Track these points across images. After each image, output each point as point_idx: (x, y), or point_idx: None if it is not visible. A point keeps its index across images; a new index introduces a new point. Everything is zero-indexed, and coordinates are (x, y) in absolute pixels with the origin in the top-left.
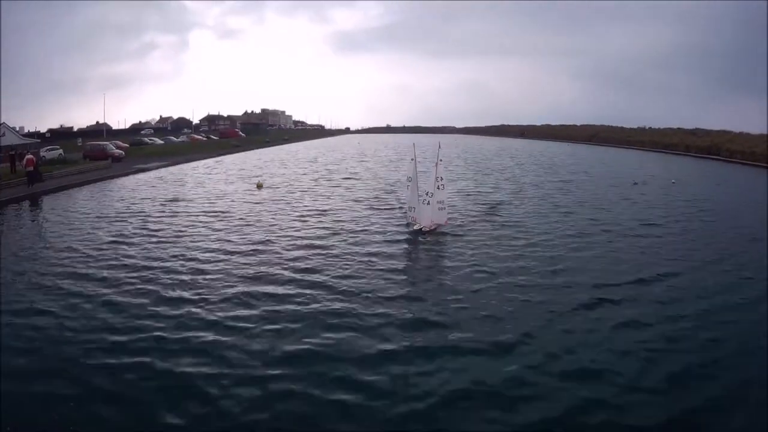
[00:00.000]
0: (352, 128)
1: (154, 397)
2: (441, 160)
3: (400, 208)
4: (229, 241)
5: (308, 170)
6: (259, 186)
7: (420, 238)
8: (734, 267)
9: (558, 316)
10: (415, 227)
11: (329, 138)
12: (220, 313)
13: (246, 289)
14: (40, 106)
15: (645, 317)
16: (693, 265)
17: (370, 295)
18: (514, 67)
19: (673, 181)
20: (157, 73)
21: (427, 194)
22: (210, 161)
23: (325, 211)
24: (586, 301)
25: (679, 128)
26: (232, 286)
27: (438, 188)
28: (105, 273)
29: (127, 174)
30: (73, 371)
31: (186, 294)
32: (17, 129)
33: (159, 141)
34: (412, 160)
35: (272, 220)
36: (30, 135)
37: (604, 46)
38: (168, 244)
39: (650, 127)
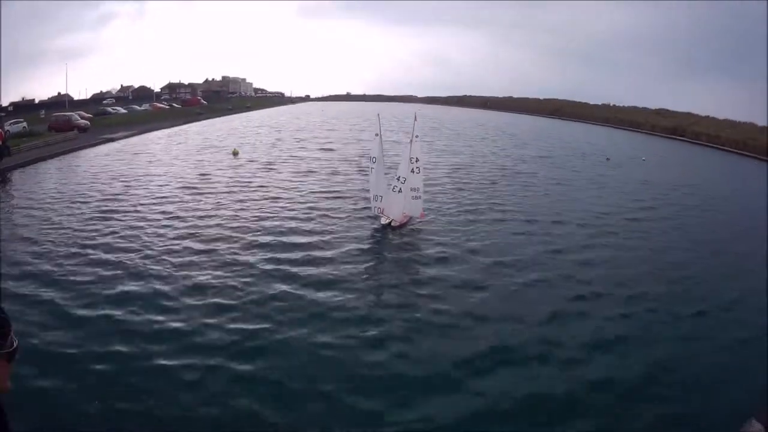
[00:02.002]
0: (312, 96)
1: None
2: (417, 137)
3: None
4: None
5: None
6: (235, 153)
7: (390, 236)
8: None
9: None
10: (383, 221)
11: (290, 105)
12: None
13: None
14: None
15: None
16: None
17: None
18: (476, 39)
19: (643, 158)
20: (115, 42)
21: (398, 180)
22: (176, 129)
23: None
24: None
25: (644, 107)
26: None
27: (413, 172)
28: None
29: (95, 144)
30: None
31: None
32: None
33: (122, 110)
34: (376, 135)
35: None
36: None
37: (569, 22)
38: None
39: (614, 105)
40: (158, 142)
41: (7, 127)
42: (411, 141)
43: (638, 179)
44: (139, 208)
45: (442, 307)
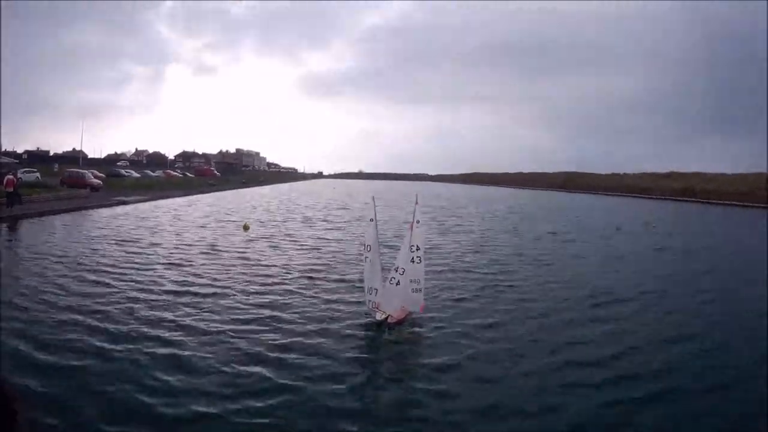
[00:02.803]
0: (325, 173)
1: None
2: (418, 222)
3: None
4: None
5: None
6: (246, 228)
7: (385, 335)
8: None
9: None
10: (379, 317)
11: (303, 182)
12: None
13: None
14: (16, 127)
15: None
16: None
17: None
18: (484, 115)
19: (653, 225)
20: (132, 103)
21: (396, 271)
22: (189, 198)
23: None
24: None
25: (653, 173)
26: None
27: (413, 261)
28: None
29: (107, 205)
30: None
31: None
32: None
33: (135, 174)
34: (371, 220)
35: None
36: (6, 154)
37: (573, 93)
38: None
39: (624, 173)
40: (171, 210)
41: (20, 175)
42: (411, 227)
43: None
44: (139, 276)
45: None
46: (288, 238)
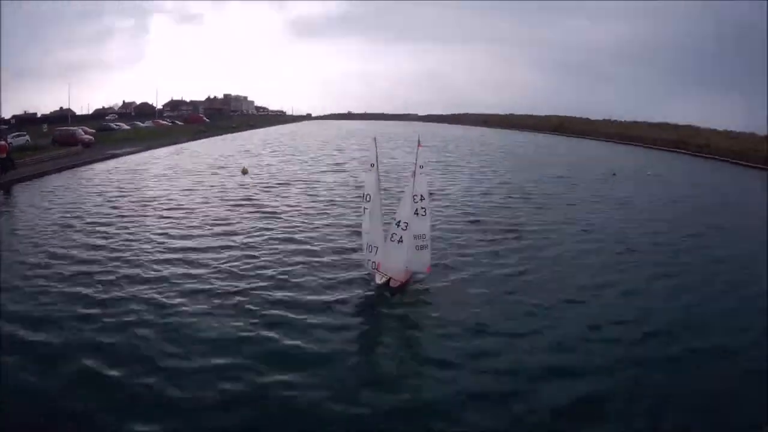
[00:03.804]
0: (314, 114)
1: None
2: (422, 167)
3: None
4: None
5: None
6: (244, 171)
7: (383, 306)
8: None
9: None
10: (379, 280)
11: (292, 124)
12: None
13: None
14: (1, 92)
15: None
16: None
17: None
18: (474, 56)
19: (648, 172)
20: (117, 58)
21: (398, 225)
22: (180, 146)
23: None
24: None
25: (644, 121)
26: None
27: (417, 214)
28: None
29: (101, 160)
30: None
31: None
32: None
33: (125, 126)
34: (371, 166)
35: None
36: None
37: (565, 37)
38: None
39: (616, 120)
40: (164, 158)
41: (10, 140)
42: (414, 173)
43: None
44: (139, 226)
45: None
46: (284, 182)
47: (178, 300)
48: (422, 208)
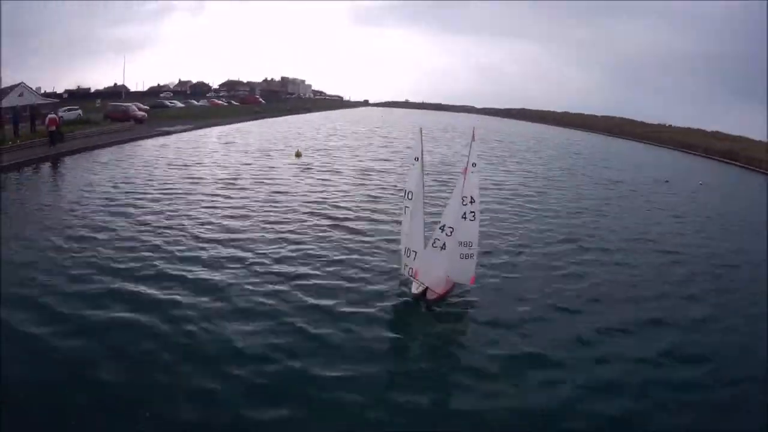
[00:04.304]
0: (371, 101)
1: None
2: (475, 165)
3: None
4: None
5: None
6: (298, 155)
7: (418, 316)
8: None
9: None
10: (415, 289)
11: (349, 110)
12: None
13: None
14: (56, 67)
15: None
16: None
17: None
18: (530, 53)
19: (700, 182)
20: (174, 36)
21: (442, 230)
22: (234, 126)
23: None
24: None
25: (699, 129)
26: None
27: (464, 218)
28: None
29: (152, 136)
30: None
31: None
32: (34, 89)
33: (179, 104)
34: (416, 159)
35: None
36: (48, 95)
37: (620, 41)
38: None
39: (670, 125)
40: (217, 138)
41: (61, 114)
42: (465, 171)
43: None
44: (186, 203)
45: None
46: (334, 168)
47: (218, 279)
48: (471, 212)
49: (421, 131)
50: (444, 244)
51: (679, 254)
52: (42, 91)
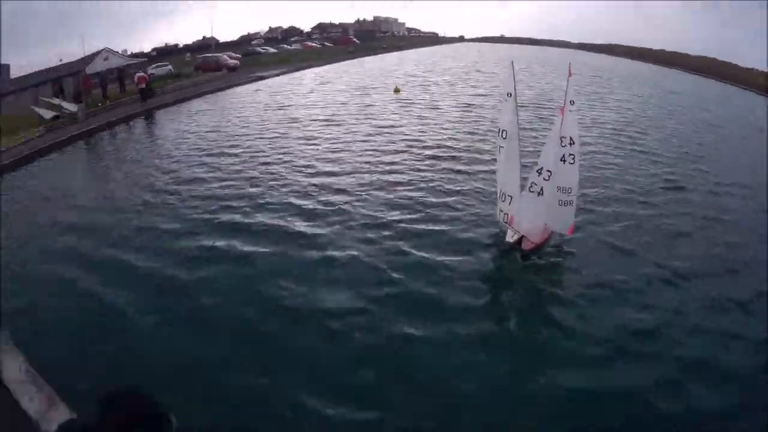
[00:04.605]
0: (467, 37)
1: None
2: (573, 103)
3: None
4: None
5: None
6: (396, 91)
7: (513, 266)
8: None
9: None
10: (510, 237)
11: (444, 45)
12: None
13: None
14: (142, 28)
15: None
16: None
17: None
18: None
19: None
20: None
21: (539, 174)
22: (329, 67)
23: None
24: None
25: None
26: None
27: (563, 161)
28: None
29: (246, 83)
30: None
31: None
32: (121, 52)
33: (272, 50)
34: (508, 95)
35: None
36: (135, 56)
37: None
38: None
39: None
40: (312, 79)
41: (151, 71)
42: (563, 110)
43: None
44: (281, 147)
45: None
46: (433, 104)
47: (316, 225)
48: (570, 154)
49: (513, 64)
50: (542, 189)
51: None
52: (129, 53)
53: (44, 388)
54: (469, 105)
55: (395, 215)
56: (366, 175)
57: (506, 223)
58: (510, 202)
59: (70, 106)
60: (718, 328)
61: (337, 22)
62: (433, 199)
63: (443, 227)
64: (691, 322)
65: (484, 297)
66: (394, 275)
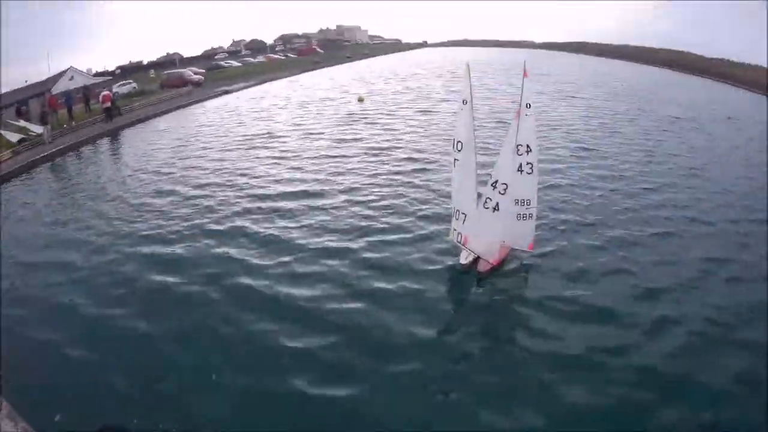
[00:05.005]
0: (429, 42)
1: None
2: (529, 106)
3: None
4: None
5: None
6: (360, 100)
7: (469, 291)
8: None
9: None
10: (464, 259)
11: (408, 51)
12: None
13: None
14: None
15: None
16: None
17: None
18: None
19: (728, 117)
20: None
21: (494, 186)
22: (294, 78)
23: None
24: None
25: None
26: None
27: (520, 171)
28: None
29: (210, 98)
30: None
31: None
32: (86, 71)
33: (236, 63)
34: (464, 102)
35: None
36: (99, 74)
37: None
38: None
39: (732, 60)
40: (277, 91)
41: (115, 89)
42: (518, 114)
43: None
44: (250, 160)
45: None
46: (395, 112)
47: (274, 234)
48: (528, 163)
49: (468, 68)
50: (497, 204)
51: None
52: (93, 72)
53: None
54: (431, 113)
55: (347, 240)
56: (325, 186)
57: (460, 243)
58: (464, 221)
59: (36, 128)
60: (686, 345)
61: (300, 33)
62: (388, 219)
63: (396, 250)
64: (655, 339)
65: (434, 328)
66: (342, 306)
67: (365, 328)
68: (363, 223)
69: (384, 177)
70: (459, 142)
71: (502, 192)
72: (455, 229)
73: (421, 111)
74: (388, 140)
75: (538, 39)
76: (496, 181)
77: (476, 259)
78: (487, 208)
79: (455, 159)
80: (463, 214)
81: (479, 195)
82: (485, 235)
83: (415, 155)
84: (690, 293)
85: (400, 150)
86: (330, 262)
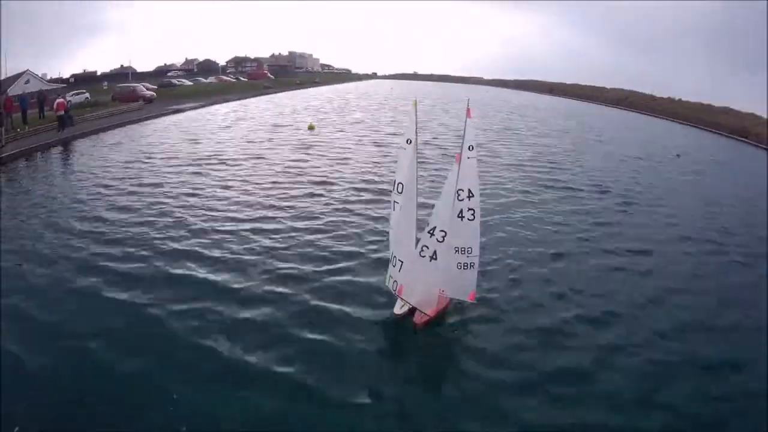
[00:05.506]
0: (379, 74)
1: None
2: (471, 148)
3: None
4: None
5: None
6: (311, 128)
7: (404, 343)
8: None
9: None
10: (399, 309)
11: (358, 82)
12: None
13: None
14: (60, 53)
15: None
16: None
17: None
18: (541, 20)
19: (677, 154)
20: (178, 15)
21: (431, 234)
22: (244, 101)
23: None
24: None
25: (709, 104)
26: None
27: (461, 217)
28: None
29: (160, 115)
30: None
31: None
32: (41, 76)
33: (188, 82)
34: (408, 142)
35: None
36: (54, 81)
37: (638, 10)
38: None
39: (680, 99)
40: (226, 114)
41: (69, 98)
42: (459, 157)
43: None
44: (197, 183)
45: None
46: (344, 143)
47: (207, 271)
48: (470, 209)
49: (415, 105)
50: (434, 252)
51: None
52: (48, 78)
53: None
54: (381, 144)
55: (277, 288)
56: (268, 212)
57: (395, 292)
58: (400, 268)
59: None
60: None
61: (252, 57)
62: (320, 265)
63: (330, 299)
64: (604, 385)
65: (365, 386)
66: (265, 360)
67: (299, 383)
68: (309, 251)
69: (331, 207)
70: (400, 183)
71: (440, 240)
72: (391, 276)
73: (372, 142)
74: (338, 170)
75: (487, 76)
76: (434, 228)
77: (412, 310)
78: (424, 256)
79: (395, 201)
80: (400, 260)
81: (417, 241)
82: (421, 285)
83: (363, 185)
84: (638, 322)
85: (346, 180)
86: (264, 309)
